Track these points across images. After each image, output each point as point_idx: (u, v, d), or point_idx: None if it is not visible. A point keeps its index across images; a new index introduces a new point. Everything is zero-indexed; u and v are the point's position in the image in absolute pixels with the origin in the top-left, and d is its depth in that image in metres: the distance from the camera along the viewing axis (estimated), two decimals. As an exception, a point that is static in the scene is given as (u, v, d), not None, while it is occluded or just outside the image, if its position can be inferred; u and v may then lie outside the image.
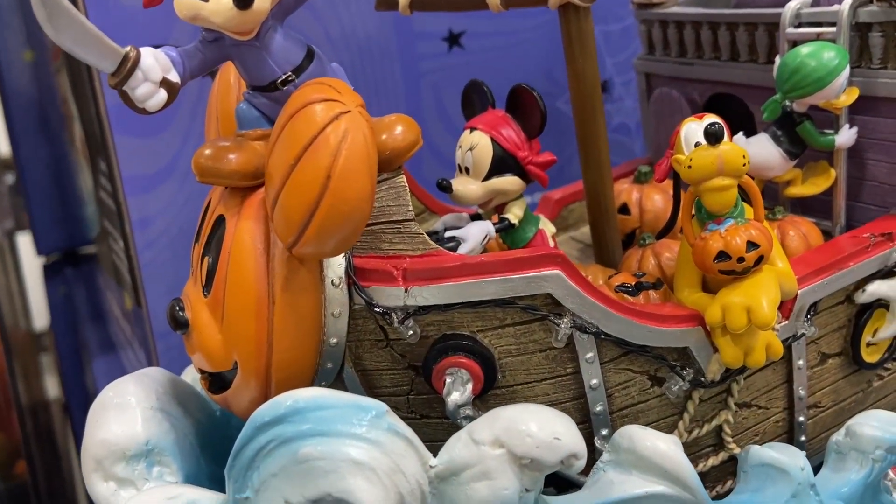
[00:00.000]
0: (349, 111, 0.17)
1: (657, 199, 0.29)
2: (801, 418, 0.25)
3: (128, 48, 0.18)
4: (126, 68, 0.17)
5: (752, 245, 0.21)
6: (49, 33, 0.17)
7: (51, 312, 0.76)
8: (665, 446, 0.20)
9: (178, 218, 0.36)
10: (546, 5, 0.24)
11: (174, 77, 0.18)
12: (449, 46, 0.40)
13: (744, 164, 0.21)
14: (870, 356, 0.26)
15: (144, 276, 0.36)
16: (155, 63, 0.18)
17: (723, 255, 0.21)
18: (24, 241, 0.75)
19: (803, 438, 0.26)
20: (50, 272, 0.78)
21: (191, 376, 0.28)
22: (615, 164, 0.41)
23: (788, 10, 0.26)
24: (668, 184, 0.30)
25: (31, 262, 0.76)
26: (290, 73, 0.20)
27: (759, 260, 0.21)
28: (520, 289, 0.20)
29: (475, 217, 0.26)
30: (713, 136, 0.20)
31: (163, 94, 0.18)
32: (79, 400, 0.79)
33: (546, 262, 0.20)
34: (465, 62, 0.40)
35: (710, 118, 0.22)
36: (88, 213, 0.49)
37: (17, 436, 0.54)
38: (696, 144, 0.22)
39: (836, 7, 0.25)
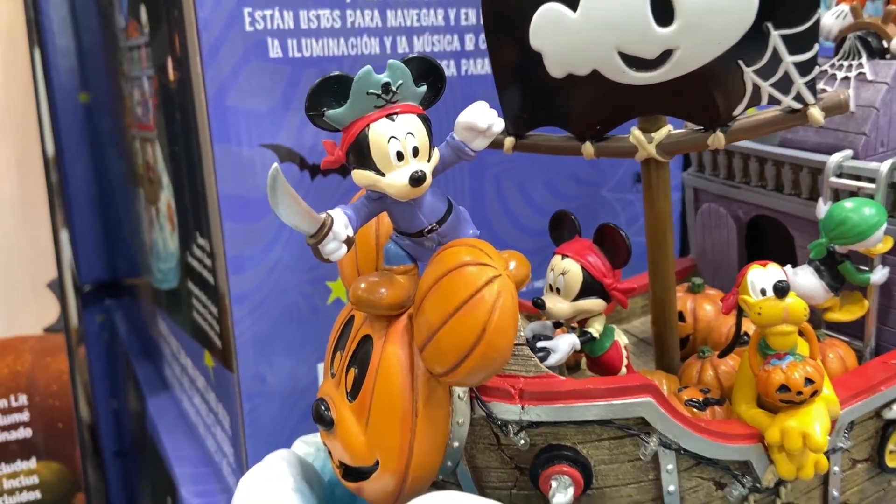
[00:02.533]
0: (500, 275, 0.21)
1: (709, 310, 0.34)
2: (834, 514, 0.30)
3: (324, 216, 0.22)
4: (323, 233, 0.21)
5: (808, 381, 0.25)
6: (271, 203, 0.21)
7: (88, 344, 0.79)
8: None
9: (269, 296, 0.40)
10: (633, 157, 0.28)
11: (351, 232, 0.23)
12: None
13: (805, 315, 0.25)
14: (892, 461, 0.30)
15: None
16: (343, 228, 0.22)
17: (784, 388, 0.25)
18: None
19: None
20: (88, 301, 0.82)
21: (302, 450, 0.32)
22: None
23: (832, 161, 0.30)
24: (719, 294, 0.35)
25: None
26: (434, 224, 0.24)
27: (815, 393, 0.25)
28: (618, 412, 0.24)
29: (556, 324, 0.31)
30: (781, 292, 0.25)
31: (344, 249, 0.22)
32: (108, 428, 0.83)
33: (642, 391, 0.24)
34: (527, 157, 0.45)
35: (775, 271, 0.26)
36: (164, 269, 0.53)
37: (77, 467, 0.58)
38: (763, 291, 0.26)
39: (875, 165, 0.29)
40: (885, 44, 0.32)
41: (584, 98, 0.26)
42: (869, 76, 0.31)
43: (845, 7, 0.33)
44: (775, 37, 0.24)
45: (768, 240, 0.35)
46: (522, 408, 0.24)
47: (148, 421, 0.60)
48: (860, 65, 0.32)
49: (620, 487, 0.25)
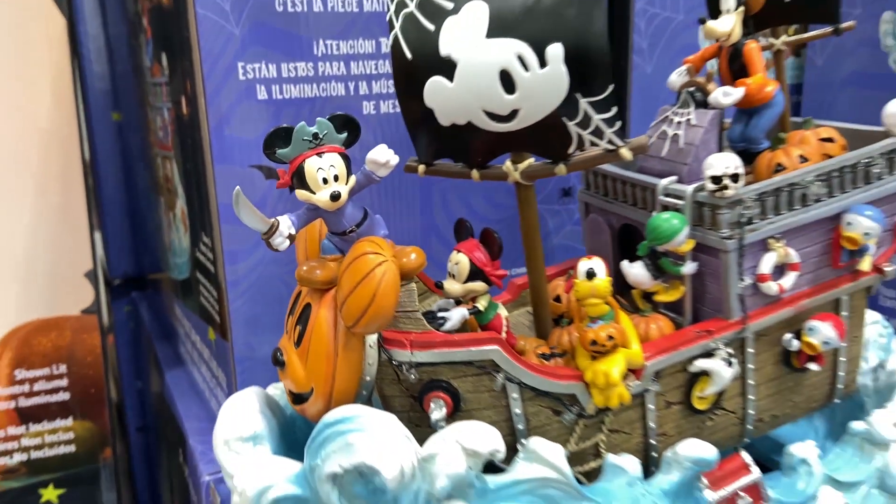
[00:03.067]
0: (387, 261, 0.33)
1: (579, 294, 0.44)
2: (653, 442, 0.40)
3: (273, 220, 0.33)
4: (272, 231, 0.33)
5: (610, 338, 0.36)
6: (235, 211, 0.33)
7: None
8: (553, 449, 0.35)
9: (255, 281, 0.52)
10: (506, 180, 0.39)
11: (293, 231, 0.34)
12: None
13: (607, 292, 0.36)
14: (700, 405, 0.41)
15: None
16: (287, 227, 0.33)
17: (594, 343, 0.36)
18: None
19: (654, 454, 0.40)
20: (116, 294, 0.93)
21: (271, 392, 0.44)
22: (568, 257, 0.56)
23: (661, 184, 0.41)
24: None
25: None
26: (353, 227, 0.35)
27: (615, 347, 0.36)
28: (476, 356, 0.35)
29: (458, 302, 0.42)
30: (590, 275, 0.36)
31: (287, 243, 0.33)
32: (133, 406, 0.93)
33: (491, 342, 0.35)
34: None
35: (595, 262, 0.37)
36: (179, 262, 0.65)
37: (105, 426, 0.69)
38: (586, 274, 0.37)
39: (684, 187, 0.40)
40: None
41: (465, 140, 0.37)
42: (694, 121, 0.42)
43: (685, 67, 0.44)
44: (583, 103, 0.35)
45: (633, 242, 0.46)
46: (412, 353, 0.35)
47: (166, 391, 0.72)
48: (689, 112, 0.42)
49: (482, 410, 0.36)
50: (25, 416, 0.65)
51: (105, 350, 0.68)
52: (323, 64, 0.51)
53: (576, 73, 0.34)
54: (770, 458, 0.46)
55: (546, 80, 0.34)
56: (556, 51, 0.33)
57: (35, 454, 0.66)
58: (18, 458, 0.66)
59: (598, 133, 0.35)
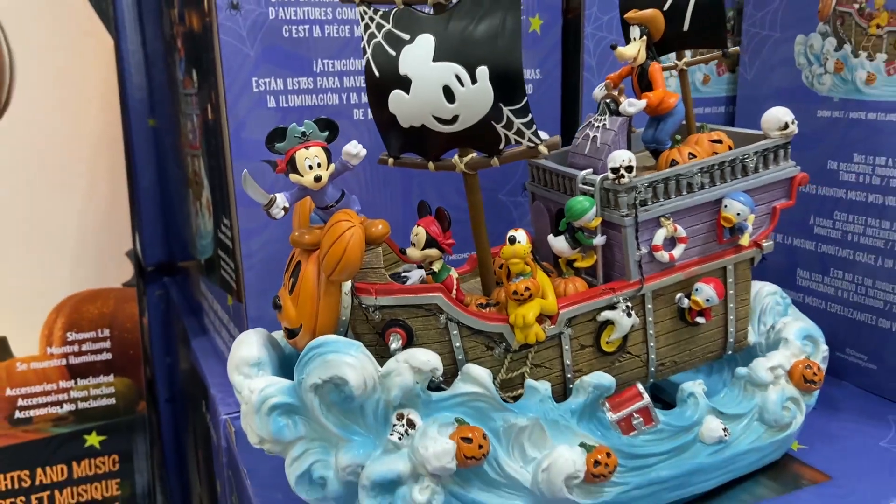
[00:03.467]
0: (354, 226, 0.44)
1: (520, 263, 0.56)
2: (570, 376, 0.51)
3: (272, 196, 0.45)
4: (271, 203, 0.44)
5: (527, 289, 0.47)
6: (243, 187, 0.44)
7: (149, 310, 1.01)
8: (481, 372, 0.46)
9: (265, 255, 0.63)
10: (454, 171, 0.51)
11: (287, 204, 0.45)
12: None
13: (525, 254, 0.47)
14: (608, 348, 0.52)
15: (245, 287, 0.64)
16: (282, 201, 0.45)
17: (515, 293, 0.47)
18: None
19: (571, 387, 0.51)
20: (150, 279, 1.05)
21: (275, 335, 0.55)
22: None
23: (579, 175, 0.52)
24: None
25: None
26: (333, 203, 0.47)
27: (531, 296, 0.47)
28: (423, 300, 0.47)
29: (420, 266, 0.53)
30: (511, 241, 0.47)
31: (283, 213, 0.45)
32: (163, 379, 1.05)
33: (435, 290, 0.47)
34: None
35: (514, 232, 0.48)
36: (204, 244, 0.77)
37: (141, 383, 0.81)
38: (508, 240, 0.48)
39: (594, 177, 0.51)
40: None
41: (422, 139, 0.49)
42: (608, 126, 0.53)
43: (605, 83, 0.55)
44: (506, 110, 0.46)
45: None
46: (376, 298, 0.47)
47: (192, 355, 0.84)
48: (605, 119, 0.54)
49: (430, 344, 0.48)
50: (74, 372, 0.78)
51: (141, 317, 0.81)
52: (321, 79, 0.62)
53: (499, 88, 0.45)
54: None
55: (477, 93, 0.45)
56: (483, 71, 0.45)
57: (81, 405, 0.78)
58: (67, 408, 0.78)
59: (520, 133, 0.47)
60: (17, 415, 0.76)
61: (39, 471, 0.77)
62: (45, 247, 0.74)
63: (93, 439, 0.79)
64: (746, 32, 0.74)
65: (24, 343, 0.76)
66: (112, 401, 0.80)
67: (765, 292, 0.60)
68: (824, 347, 0.58)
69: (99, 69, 0.75)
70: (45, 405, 0.77)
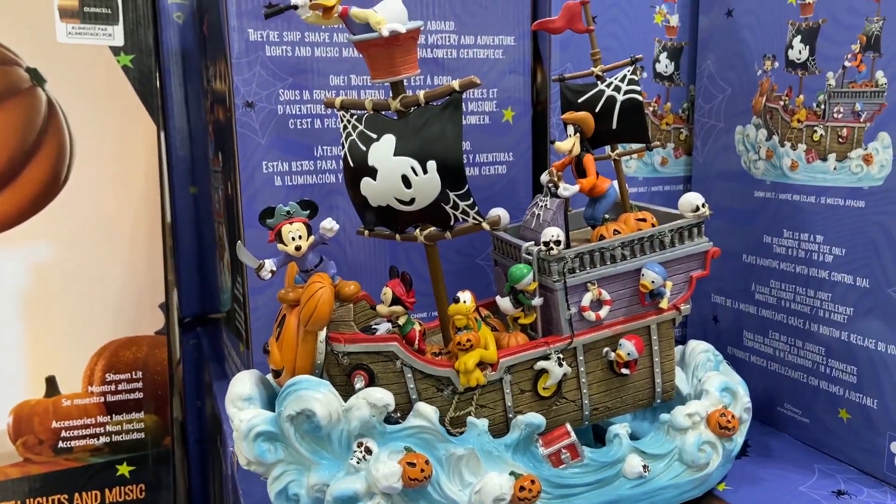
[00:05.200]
0: (324, 287, 0.55)
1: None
2: (511, 416, 0.60)
3: (261, 261, 0.56)
4: (260, 267, 0.56)
5: (468, 340, 0.57)
6: (238, 255, 0.56)
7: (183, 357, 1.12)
8: (428, 409, 0.56)
9: (269, 310, 0.75)
10: (417, 242, 0.61)
11: (274, 269, 0.57)
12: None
13: (467, 312, 0.57)
14: (544, 393, 0.61)
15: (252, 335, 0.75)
16: (270, 265, 0.56)
17: (459, 343, 0.57)
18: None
19: (511, 424, 0.60)
20: (186, 329, 1.17)
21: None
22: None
23: (524, 246, 0.63)
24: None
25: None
26: (312, 268, 0.58)
27: (472, 347, 0.57)
28: (382, 348, 0.57)
29: (389, 320, 0.63)
30: (456, 300, 0.57)
31: (270, 275, 0.56)
32: (193, 421, 1.16)
33: (392, 340, 0.57)
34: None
35: (461, 294, 0.58)
36: (225, 298, 0.89)
37: (168, 419, 0.92)
38: (453, 300, 0.58)
39: (535, 248, 0.61)
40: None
41: (389, 216, 0.60)
42: (548, 206, 0.63)
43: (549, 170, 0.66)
44: (452, 195, 0.56)
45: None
46: (345, 346, 0.57)
47: (213, 398, 0.95)
48: (547, 200, 0.64)
49: (390, 384, 0.58)
50: (111, 408, 0.89)
51: (171, 362, 0.92)
52: (321, 161, 0.74)
53: (445, 177, 0.56)
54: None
55: (428, 181, 0.56)
56: (432, 164, 0.56)
57: (115, 438, 0.90)
58: (103, 440, 0.89)
59: (465, 213, 0.57)
60: (60, 444, 0.87)
61: (77, 496, 0.88)
62: (90, 299, 0.86)
63: (123, 469, 0.90)
64: (698, 121, 0.84)
65: (70, 382, 0.88)
66: (142, 435, 0.91)
67: (699, 350, 0.69)
68: (746, 400, 0.66)
69: (144, 149, 0.88)
70: (84, 437, 0.88)
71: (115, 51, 0.84)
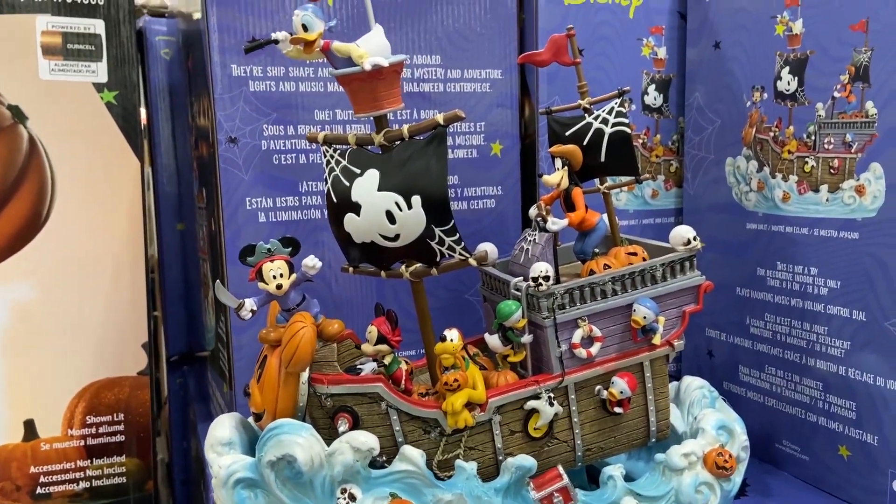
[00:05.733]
0: (306, 326, 0.53)
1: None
2: (501, 458, 0.58)
3: (241, 300, 0.54)
4: (241, 308, 0.54)
5: (455, 380, 0.55)
6: (216, 294, 0.54)
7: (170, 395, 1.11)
8: (415, 452, 0.54)
9: (252, 350, 0.73)
10: (402, 278, 0.60)
11: (255, 308, 0.55)
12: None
13: (454, 351, 0.55)
14: (535, 434, 0.59)
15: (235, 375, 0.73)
16: (250, 304, 0.54)
17: (446, 384, 0.55)
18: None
19: (501, 467, 0.58)
20: (172, 368, 1.15)
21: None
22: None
23: (512, 282, 0.61)
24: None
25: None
26: (294, 306, 0.56)
27: (459, 387, 0.55)
28: (368, 390, 0.55)
29: (375, 360, 0.62)
30: (443, 339, 0.55)
31: (251, 315, 0.54)
32: (179, 462, 1.14)
33: (377, 381, 0.55)
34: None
35: (448, 332, 0.57)
36: (210, 336, 0.87)
37: (150, 463, 0.90)
38: (440, 338, 0.56)
39: (523, 284, 0.60)
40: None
41: (374, 252, 0.58)
42: (537, 241, 0.62)
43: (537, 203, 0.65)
44: (437, 230, 0.55)
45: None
46: (328, 387, 0.55)
47: (197, 439, 0.92)
48: (535, 234, 0.63)
49: (374, 427, 0.56)
50: (91, 452, 0.87)
51: (152, 403, 0.90)
52: (305, 197, 0.73)
53: (430, 213, 0.54)
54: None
55: (413, 216, 0.55)
56: (417, 200, 0.54)
57: (95, 483, 0.87)
58: (83, 485, 0.87)
59: (451, 249, 0.56)
60: (39, 490, 0.85)
61: (55, 544, 0.85)
62: (70, 339, 0.84)
63: (104, 515, 0.87)
64: (688, 153, 0.83)
65: (49, 425, 0.85)
66: (123, 479, 0.88)
67: (694, 386, 0.67)
68: (743, 438, 0.64)
69: (127, 185, 0.87)
70: (63, 482, 0.85)
71: (99, 87, 0.83)
